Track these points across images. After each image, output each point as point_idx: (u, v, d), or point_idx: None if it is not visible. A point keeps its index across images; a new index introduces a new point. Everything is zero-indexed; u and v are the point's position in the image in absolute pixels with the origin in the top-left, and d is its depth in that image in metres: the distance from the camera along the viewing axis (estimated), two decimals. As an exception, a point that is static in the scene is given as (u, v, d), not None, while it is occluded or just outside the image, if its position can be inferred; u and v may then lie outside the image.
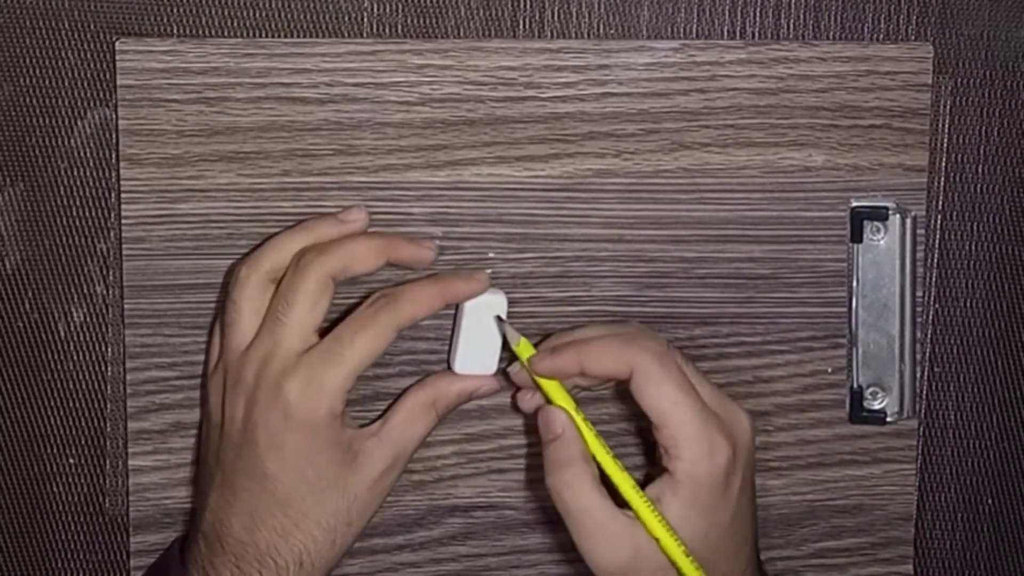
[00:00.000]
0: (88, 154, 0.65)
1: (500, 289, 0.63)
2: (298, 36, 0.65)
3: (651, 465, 0.62)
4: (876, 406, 0.66)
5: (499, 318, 0.61)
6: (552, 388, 0.60)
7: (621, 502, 0.58)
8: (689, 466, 0.57)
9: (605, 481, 0.58)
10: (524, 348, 0.60)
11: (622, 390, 0.59)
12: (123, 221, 0.64)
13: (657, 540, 0.57)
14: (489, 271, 0.63)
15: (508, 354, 0.62)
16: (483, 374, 0.62)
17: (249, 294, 0.60)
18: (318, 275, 0.59)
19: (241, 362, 0.59)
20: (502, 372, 0.62)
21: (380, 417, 0.61)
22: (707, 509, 0.57)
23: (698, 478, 0.57)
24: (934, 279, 0.67)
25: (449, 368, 0.63)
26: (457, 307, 0.62)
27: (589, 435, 0.59)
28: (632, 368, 0.58)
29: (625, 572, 0.57)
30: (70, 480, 0.66)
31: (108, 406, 0.66)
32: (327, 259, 0.60)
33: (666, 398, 0.57)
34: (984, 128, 0.67)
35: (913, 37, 0.66)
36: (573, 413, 0.59)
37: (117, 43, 0.63)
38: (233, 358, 0.60)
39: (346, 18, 0.65)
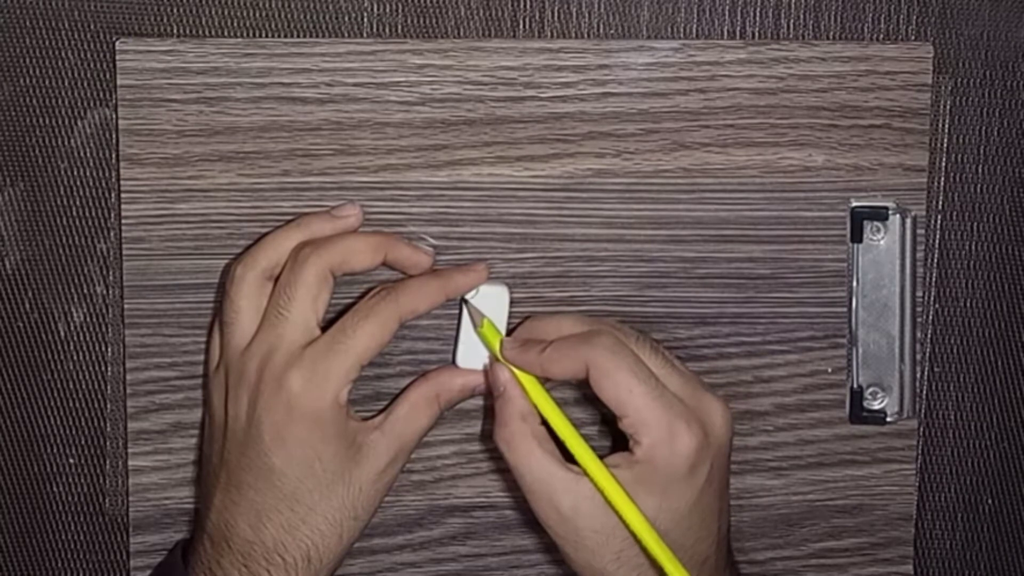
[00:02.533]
0: (88, 154, 0.65)
1: (503, 283, 0.63)
2: (298, 36, 0.65)
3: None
4: (876, 406, 0.66)
5: (465, 300, 0.62)
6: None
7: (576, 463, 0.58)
8: (647, 450, 0.57)
9: (560, 444, 0.59)
10: (488, 329, 0.61)
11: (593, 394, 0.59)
12: (123, 221, 0.64)
13: (603, 493, 0.57)
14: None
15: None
16: (486, 369, 0.62)
17: (247, 292, 0.60)
18: (318, 268, 0.59)
19: (243, 359, 0.59)
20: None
21: (383, 411, 0.61)
22: (660, 492, 0.57)
23: (656, 461, 0.57)
24: (934, 279, 0.67)
25: (452, 363, 0.63)
26: (460, 303, 0.62)
27: (541, 396, 0.59)
28: (587, 365, 0.58)
29: (564, 525, 0.58)
30: (70, 480, 0.66)
31: (108, 406, 0.66)
32: (326, 253, 0.60)
33: (621, 387, 0.57)
34: (984, 128, 0.67)
35: (913, 37, 0.66)
36: (519, 375, 0.59)
37: (117, 43, 0.63)
38: (234, 356, 0.60)
39: (346, 18, 0.65)
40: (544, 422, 0.59)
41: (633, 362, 0.58)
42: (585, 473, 0.57)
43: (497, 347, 0.60)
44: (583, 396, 0.65)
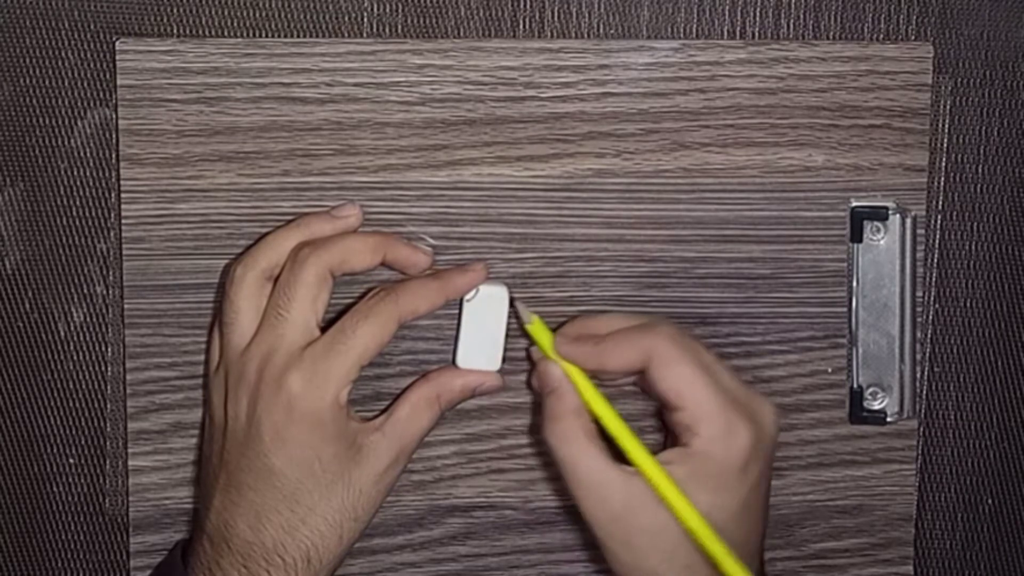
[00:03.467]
0: (88, 154, 0.65)
1: (502, 283, 0.63)
2: (298, 36, 0.65)
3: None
4: (876, 406, 0.66)
5: (512, 299, 0.62)
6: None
7: (625, 461, 0.58)
8: (705, 444, 0.57)
9: (610, 440, 0.58)
10: (538, 327, 0.61)
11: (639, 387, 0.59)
12: (123, 221, 0.64)
13: (657, 490, 0.56)
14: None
15: (510, 351, 0.63)
16: (487, 370, 0.62)
17: (246, 292, 0.60)
18: (317, 268, 0.59)
19: (243, 360, 0.59)
20: (510, 370, 0.62)
21: (383, 412, 0.61)
22: (714, 488, 0.57)
23: (712, 456, 0.57)
24: (934, 279, 0.67)
25: (452, 364, 0.63)
26: (460, 303, 0.62)
27: (592, 393, 0.59)
28: (649, 354, 0.58)
29: (614, 524, 0.57)
30: (70, 480, 0.66)
31: (108, 406, 0.66)
32: (325, 253, 0.60)
33: (683, 378, 0.57)
34: (984, 128, 0.67)
35: (913, 37, 0.66)
36: (569, 371, 0.59)
37: (117, 43, 0.63)
38: (234, 357, 0.60)
39: (346, 18, 0.65)
40: (594, 420, 0.59)
41: (694, 353, 0.58)
42: (639, 470, 0.57)
43: (548, 344, 0.60)
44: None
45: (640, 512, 0.57)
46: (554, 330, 0.62)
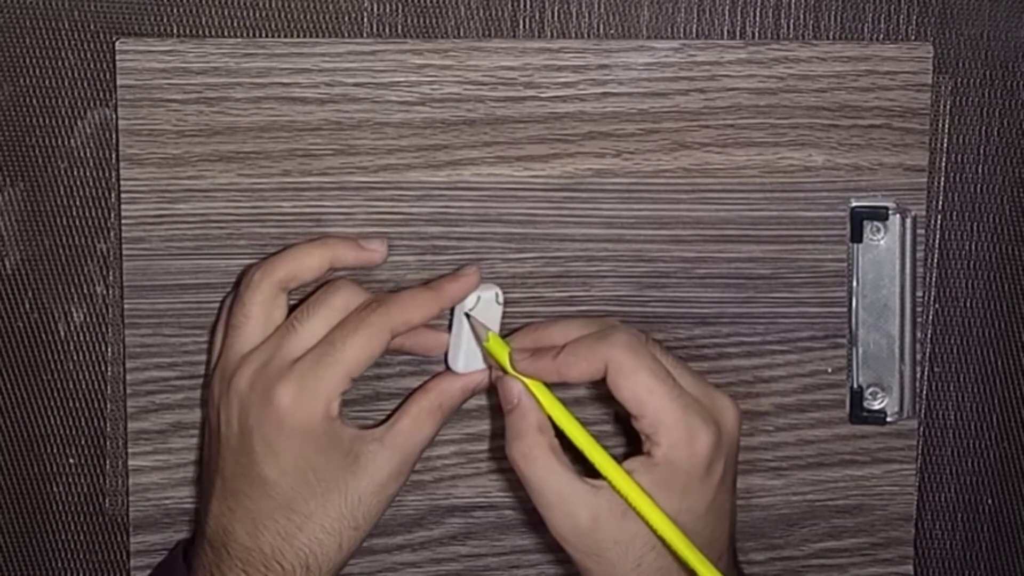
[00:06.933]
0: (88, 154, 0.65)
1: (493, 284, 0.62)
2: (298, 36, 0.65)
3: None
4: (876, 406, 0.66)
5: (467, 315, 0.61)
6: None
7: (592, 474, 0.58)
8: (667, 451, 0.57)
9: (574, 452, 0.58)
10: (495, 343, 0.60)
11: (604, 391, 0.59)
12: (123, 221, 0.64)
13: (628, 500, 0.56)
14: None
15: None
16: (487, 372, 0.62)
17: (260, 299, 0.60)
18: (347, 291, 0.60)
19: (239, 366, 0.59)
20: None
21: (384, 421, 0.61)
22: (680, 493, 0.57)
23: (675, 463, 0.57)
24: (934, 279, 0.67)
25: (446, 365, 0.62)
26: (452, 308, 0.62)
27: (555, 407, 0.59)
28: (606, 364, 0.57)
29: (583, 538, 0.57)
30: (70, 480, 0.66)
31: (108, 406, 0.66)
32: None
33: (641, 387, 0.57)
34: (984, 128, 0.67)
35: (913, 37, 0.66)
36: (531, 386, 0.59)
37: (117, 43, 0.63)
38: (233, 360, 0.60)
39: (346, 18, 0.65)
40: (558, 433, 0.59)
41: (652, 362, 0.57)
42: (608, 482, 0.57)
43: (506, 360, 0.59)
44: (590, 396, 0.65)
45: (608, 525, 0.57)
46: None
